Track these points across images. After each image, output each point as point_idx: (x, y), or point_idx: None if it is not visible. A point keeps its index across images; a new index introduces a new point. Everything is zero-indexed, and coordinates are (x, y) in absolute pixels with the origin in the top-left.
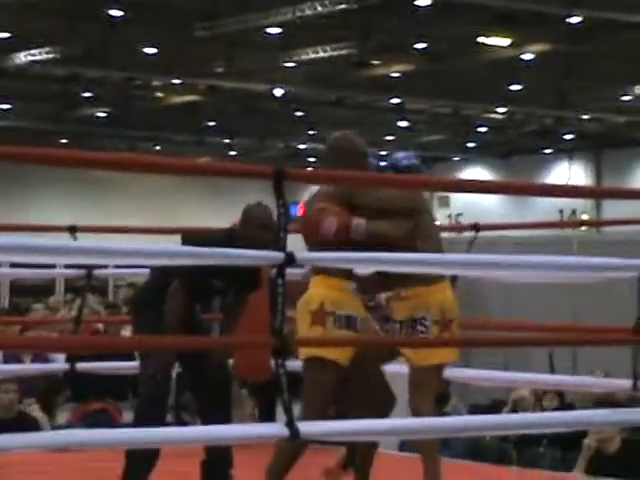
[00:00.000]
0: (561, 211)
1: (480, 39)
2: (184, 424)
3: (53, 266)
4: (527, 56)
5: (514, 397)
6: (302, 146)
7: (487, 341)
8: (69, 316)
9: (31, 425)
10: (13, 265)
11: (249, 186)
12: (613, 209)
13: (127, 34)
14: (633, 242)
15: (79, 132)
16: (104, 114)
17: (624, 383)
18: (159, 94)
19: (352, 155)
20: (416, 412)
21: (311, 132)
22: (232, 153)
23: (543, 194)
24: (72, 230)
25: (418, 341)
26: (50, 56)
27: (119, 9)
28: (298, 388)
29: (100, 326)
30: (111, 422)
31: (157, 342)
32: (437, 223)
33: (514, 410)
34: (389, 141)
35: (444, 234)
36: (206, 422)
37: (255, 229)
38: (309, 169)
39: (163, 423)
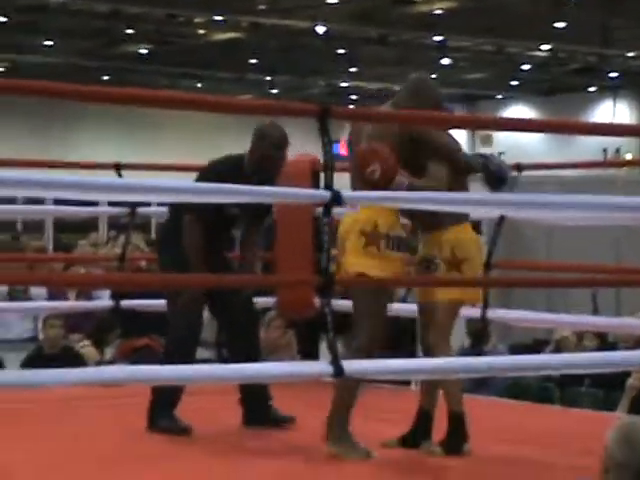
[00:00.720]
0: (605, 150)
1: None
2: (225, 361)
3: (96, 203)
4: None
5: (556, 337)
6: (344, 84)
7: (529, 282)
8: (112, 253)
9: (75, 360)
10: (57, 202)
11: (290, 124)
12: None
13: None
14: None
15: (121, 69)
16: (146, 51)
17: None
18: (201, 31)
19: (434, 99)
20: (429, 351)
21: (353, 70)
22: (273, 91)
23: (585, 132)
24: (117, 167)
25: (451, 280)
26: None
27: None
28: (341, 327)
29: (143, 263)
30: (155, 358)
31: (199, 280)
32: None
33: (557, 350)
34: (432, 79)
35: None
36: (235, 358)
37: (270, 148)
38: (352, 107)
39: (192, 361)
